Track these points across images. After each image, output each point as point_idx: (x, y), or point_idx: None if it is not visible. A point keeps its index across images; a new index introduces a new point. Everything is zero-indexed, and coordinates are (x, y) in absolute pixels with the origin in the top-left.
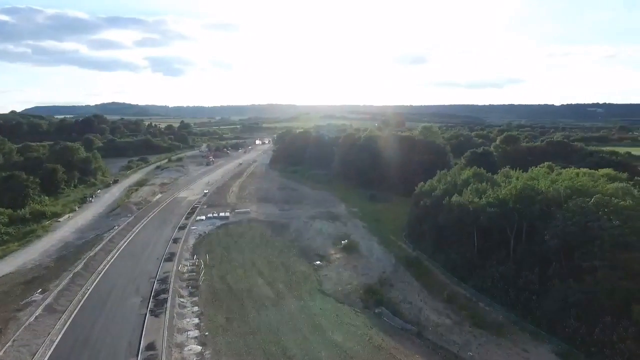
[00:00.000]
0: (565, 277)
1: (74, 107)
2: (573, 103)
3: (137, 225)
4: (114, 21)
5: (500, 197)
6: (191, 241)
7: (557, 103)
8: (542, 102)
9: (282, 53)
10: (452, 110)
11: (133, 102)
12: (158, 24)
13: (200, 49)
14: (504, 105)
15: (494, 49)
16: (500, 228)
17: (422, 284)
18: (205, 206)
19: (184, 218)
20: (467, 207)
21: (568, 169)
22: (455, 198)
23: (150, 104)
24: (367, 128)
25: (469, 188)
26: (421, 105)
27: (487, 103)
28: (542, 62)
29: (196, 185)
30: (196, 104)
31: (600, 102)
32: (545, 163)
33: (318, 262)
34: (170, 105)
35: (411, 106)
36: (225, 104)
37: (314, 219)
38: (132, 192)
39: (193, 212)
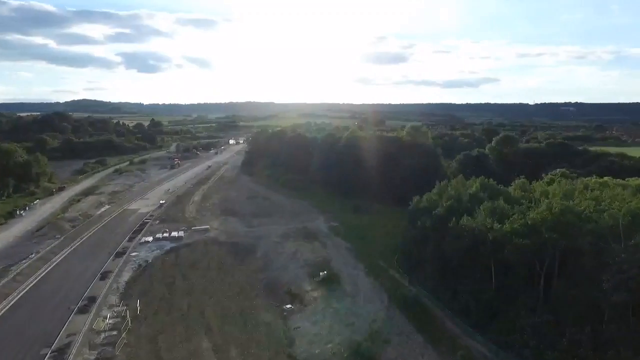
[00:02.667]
0: (633, 343)
1: (42, 104)
2: (547, 102)
3: (62, 252)
4: (84, 15)
5: (529, 222)
6: (125, 276)
7: (531, 102)
8: (516, 101)
9: (261, 50)
10: (429, 109)
11: (106, 100)
12: (131, 19)
13: (176, 45)
14: (479, 104)
15: (469, 49)
16: (527, 262)
17: (427, 337)
18: (157, 222)
19: (126, 240)
20: (483, 234)
21: (590, 178)
22: (465, 220)
23: (124, 101)
24: (347, 127)
25: (482, 207)
26: (400, 104)
27: (463, 102)
28: (516, 62)
29: (153, 193)
30: (172, 102)
31: (572, 101)
32: (558, 170)
33: (289, 306)
34: (145, 102)
35: (390, 104)
36: (202, 101)
37: (287, 239)
38: (72, 204)
39: (140, 231)
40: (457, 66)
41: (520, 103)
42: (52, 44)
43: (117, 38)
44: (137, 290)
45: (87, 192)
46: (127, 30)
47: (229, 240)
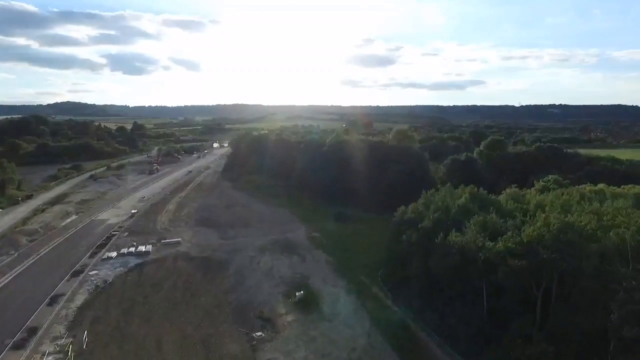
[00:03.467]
0: None
1: (24, 106)
2: (532, 104)
3: (12, 272)
4: (67, 15)
5: (525, 240)
6: (78, 300)
7: (517, 104)
8: (502, 103)
9: (249, 52)
10: (417, 111)
11: (90, 102)
12: (116, 20)
13: (162, 47)
14: (467, 106)
15: (456, 51)
16: (522, 283)
17: None
18: (125, 234)
19: (87, 255)
20: (474, 253)
21: (585, 185)
22: (454, 237)
23: (109, 103)
24: (333, 130)
25: (472, 222)
26: (387, 106)
27: (450, 104)
28: (501, 64)
29: (127, 201)
30: (159, 104)
31: (557, 103)
32: (551, 177)
33: (259, 334)
34: (131, 105)
35: (378, 107)
36: (189, 104)
37: (263, 252)
38: (36, 215)
39: (105, 245)
40: (444, 68)
41: (506, 105)
42: (34, 45)
43: (101, 39)
44: (89, 318)
45: (54, 201)
46: (112, 32)
47: (200, 255)
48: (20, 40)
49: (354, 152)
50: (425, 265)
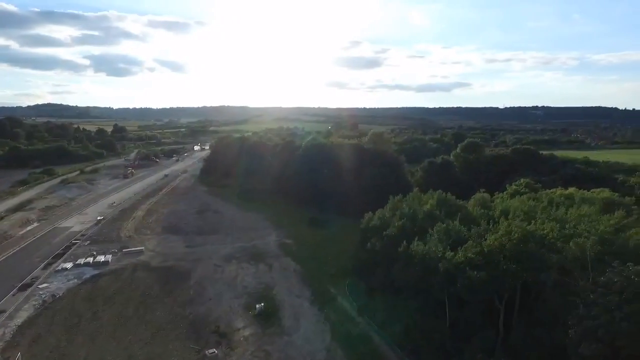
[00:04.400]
0: None
1: (3, 108)
2: (515, 106)
3: None
4: (49, 15)
5: (485, 250)
6: (21, 316)
7: (501, 106)
8: (487, 105)
9: (235, 54)
10: (403, 113)
11: (72, 104)
12: (99, 20)
13: (147, 48)
14: (452, 108)
15: (442, 54)
16: (483, 296)
17: None
18: (87, 242)
19: (41, 267)
20: (435, 262)
21: (555, 189)
22: (417, 246)
23: (92, 105)
24: (319, 132)
25: (435, 230)
26: (374, 108)
27: (437, 106)
28: (486, 67)
29: (95, 207)
30: (143, 106)
31: (539, 105)
32: (523, 180)
33: (212, 351)
34: (115, 107)
35: (365, 109)
36: (175, 105)
37: (229, 261)
38: None
39: (63, 254)
40: (430, 71)
41: (490, 107)
42: (14, 45)
43: (84, 40)
44: (28, 337)
45: (18, 208)
46: (95, 32)
47: (162, 265)
48: None
49: (329, 155)
50: (388, 275)
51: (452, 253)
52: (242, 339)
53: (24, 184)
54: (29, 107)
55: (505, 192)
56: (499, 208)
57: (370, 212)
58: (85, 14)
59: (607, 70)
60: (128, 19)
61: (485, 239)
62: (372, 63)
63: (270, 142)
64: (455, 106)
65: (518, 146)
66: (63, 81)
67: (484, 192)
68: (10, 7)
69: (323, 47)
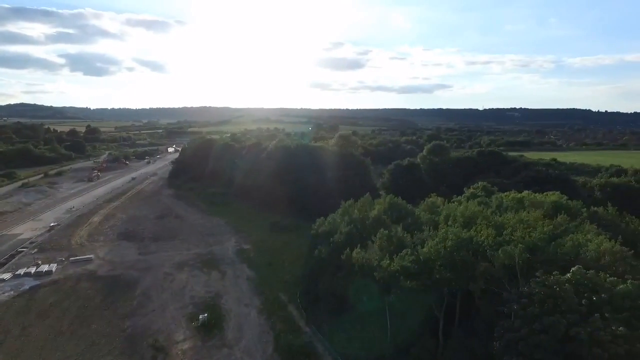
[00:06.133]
0: None
1: None
2: (494, 107)
3: None
4: (20, 12)
5: (421, 258)
6: None
7: (480, 107)
8: (467, 107)
9: (217, 54)
10: (386, 114)
11: (47, 104)
12: (75, 18)
13: (126, 48)
14: (433, 109)
15: (423, 56)
16: (423, 303)
17: None
18: (34, 251)
19: None
20: (372, 271)
21: (508, 193)
22: (357, 253)
23: (68, 105)
24: (302, 133)
25: (377, 236)
26: (356, 109)
27: (418, 107)
28: (466, 69)
29: (51, 213)
30: (122, 106)
31: (517, 106)
32: (480, 183)
33: None
34: (93, 107)
35: (347, 110)
36: (155, 106)
37: (181, 268)
38: None
39: (6, 263)
40: (412, 72)
41: (470, 108)
42: None
43: (59, 38)
44: None
45: None
46: (70, 30)
47: (109, 274)
48: None
49: (294, 158)
50: (333, 283)
51: (388, 261)
52: (179, 352)
53: None
54: (0, 107)
55: (463, 196)
56: (443, 213)
57: (322, 218)
58: (60, 11)
59: (581, 73)
60: (105, 16)
61: (424, 247)
62: (354, 64)
63: (239, 144)
64: (436, 107)
65: (483, 148)
66: (37, 80)
67: (432, 195)
68: None
69: (305, 48)
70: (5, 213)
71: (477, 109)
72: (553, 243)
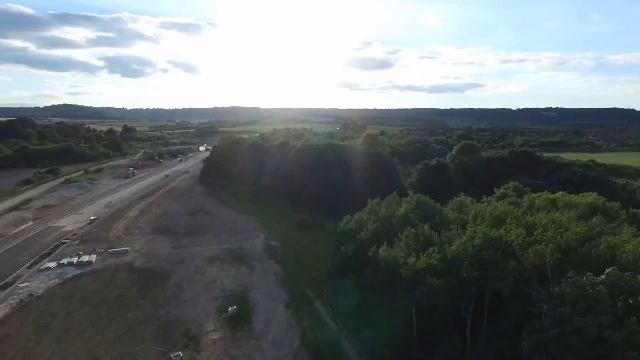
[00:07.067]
0: None
1: (20, 109)
2: (529, 107)
3: None
4: (65, 18)
5: (449, 257)
6: None
7: (514, 107)
8: (500, 107)
9: (247, 55)
10: (415, 115)
11: (87, 105)
12: (114, 22)
13: (161, 50)
14: (464, 109)
15: (454, 55)
16: (450, 302)
17: None
18: (77, 242)
19: (26, 266)
20: (399, 269)
21: (541, 194)
22: (384, 250)
23: (106, 106)
24: (330, 132)
25: (404, 234)
26: (385, 109)
27: (449, 107)
28: (499, 68)
29: (92, 207)
30: (157, 107)
31: (554, 106)
32: (511, 184)
33: (178, 354)
34: (129, 107)
35: (376, 110)
36: (188, 106)
37: (212, 262)
38: None
39: (51, 254)
40: (443, 72)
41: (503, 108)
42: (31, 47)
43: (99, 42)
44: None
45: (16, 207)
46: (109, 34)
47: (144, 266)
48: (17, 43)
49: (321, 157)
50: (358, 281)
51: (414, 259)
52: (210, 342)
53: (29, 183)
54: (46, 107)
55: (493, 196)
56: (472, 213)
57: (348, 216)
58: (100, 16)
59: (624, 71)
60: (141, 20)
61: (451, 245)
62: (384, 64)
63: (268, 143)
64: (467, 107)
65: (516, 149)
66: (79, 82)
67: (466, 196)
68: (28, 10)
69: (335, 48)
70: (50, 207)
71: (510, 109)
72: (587, 244)
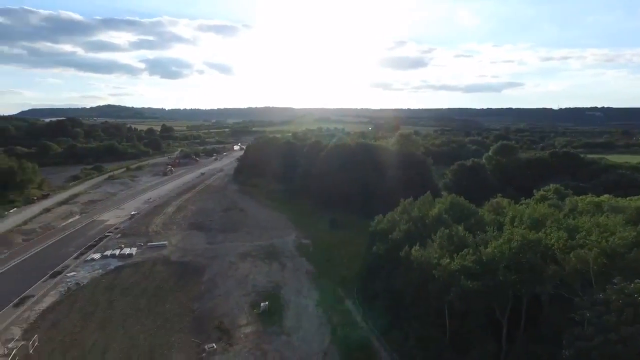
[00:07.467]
0: None
1: (69, 109)
2: (572, 107)
3: None
4: (110, 23)
5: (484, 258)
6: (46, 302)
7: (555, 107)
8: (540, 106)
9: (281, 56)
10: (449, 114)
11: (129, 105)
12: (154, 26)
13: (197, 51)
14: (502, 109)
15: (492, 53)
16: (485, 305)
17: None
18: (118, 235)
19: (73, 256)
20: (431, 270)
21: (585, 196)
22: (416, 251)
23: (146, 106)
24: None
25: (437, 235)
26: (419, 109)
27: (485, 107)
28: (540, 65)
29: (132, 202)
30: (193, 107)
31: (599, 105)
32: (552, 186)
33: (211, 346)
34: (167, 107)
35: (409, 109)
36: (222, 106)
37: (244, 258)
38: (41, 214)
39: (95, 246)
40: (479, 71)
41: (544, 108)
42: (80, 51)
43: (140, 45)
44: (49, 321)
45: (64, 201)
46: (150, 37)
47: (181, 259)
48: (67, 47)
49: (353, 156)
50: (389, 281)
51: (448, 260)
52: (242, 336)
53: (76, 179)
54: (92, 108)
55: (532, 198)
56: (509, 214)
57: (380, 215)
58: (141, 20)
59: None
60: (180, 23)
61: (487, 247)
62: (418, 63)
63: (300, 142)
64: (505, 107)
65: (557, 149)
66: (122, 84)
67: (497, 197)
68: (77, 16)
69: (367, 48)
70: (95, 201)
71: (551, 109)
72: (635, 249)
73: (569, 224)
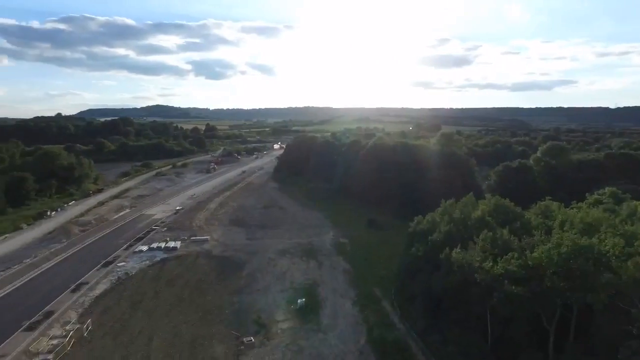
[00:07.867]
0: None
1: (122, 109)
2: (631, 105)
3: (56, 258)
4: (160, 27)
5: (530, 263)
6: (99, 289)
7: (613, 106)
8: (595, 105)
9: (321, 55)
10: (495, 114)
11: (176, 105)
12: (200, 29)
13: (240, 53)
14: (552, 108)
15: (541, 49)
16: (531, 312)
17: None
18: (164, 229)
19: (123, 248)
20: (473, 273)
21: None
22: (457, 253)
23: (192, 106)
24: (388, 133)
25: (480, 237)
26: (462, 109)
27: (534, 106)
28: (596, 62)
29: (177, 198)
30: (236, 107)
31: None
32: (607, 189)
33: (249, 339)
34: (211, 107)
35: (451, 109)
36: (263, 106)
37: (283, 255)
38: (96, 207)
39: (143, 238)
40: (528, 68)
41: (599, 107)
42: (132, 54)
43: (187, 47)
44: (101, 307)
45: (117, 195)
46: (196, 40)
47: (222, 254)
48: (120, 51)
49: (393, 156)
50: (428, 283)
51: (491, 264)
52: (279, 331)
53: (127, 175)
54: (142, 108)
55: (585, 202)
56: (559, 219)
57: (420, 216)
58: (188, 23)
59: None
60: (224, 25)
61: (533, 252)
62: (461, 61)
63: (339, 142)
64: (555, 106)
65: (613, 151)
66: (169, 85)
67: (543, 200)
68: (130, 21)
69: (409, 46)
70: (143, 196)
71: (608, 107)
72: None
73: (626, 230)
